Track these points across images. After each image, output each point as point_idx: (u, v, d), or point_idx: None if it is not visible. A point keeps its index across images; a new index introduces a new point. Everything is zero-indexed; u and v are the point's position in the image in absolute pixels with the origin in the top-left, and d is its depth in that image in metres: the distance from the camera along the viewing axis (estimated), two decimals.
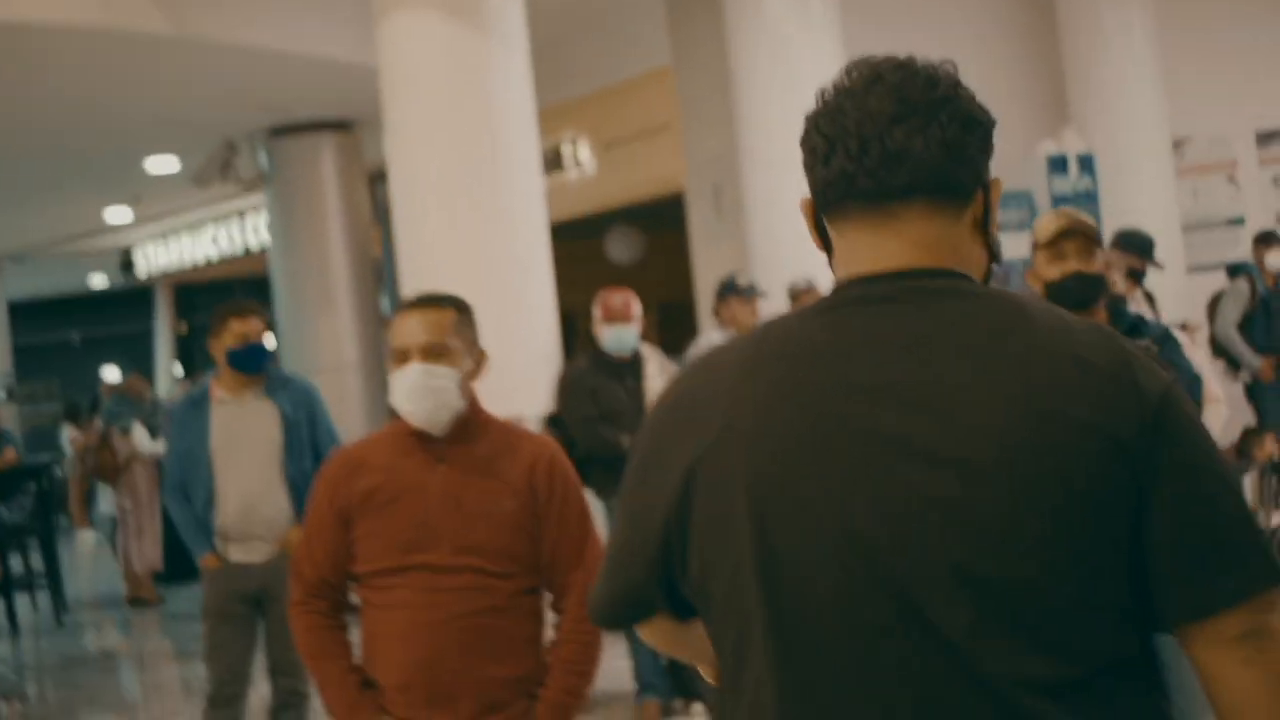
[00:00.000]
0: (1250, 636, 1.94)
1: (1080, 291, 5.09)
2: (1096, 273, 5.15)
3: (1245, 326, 12.54)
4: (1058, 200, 12.87)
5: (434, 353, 4.12)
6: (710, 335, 10.33)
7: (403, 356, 4.14)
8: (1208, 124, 15.17)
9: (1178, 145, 14.84)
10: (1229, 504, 1.96)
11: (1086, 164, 13.27)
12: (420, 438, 4.19)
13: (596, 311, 8.75)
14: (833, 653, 1.97)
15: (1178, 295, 13.39)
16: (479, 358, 4.28)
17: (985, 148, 2.13)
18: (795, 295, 10.69)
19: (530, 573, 4.19)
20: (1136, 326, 5.33)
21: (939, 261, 2.08)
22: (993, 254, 2.16)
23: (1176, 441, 1.95)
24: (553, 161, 15.30)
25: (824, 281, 9.80)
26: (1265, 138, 15.22)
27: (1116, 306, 5.41)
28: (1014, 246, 12.68)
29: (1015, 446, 1.92)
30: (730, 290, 10.18)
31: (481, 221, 9.72)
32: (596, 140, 15.35)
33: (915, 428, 1.96)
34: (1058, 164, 13.18)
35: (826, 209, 2.16)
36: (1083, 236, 5.12)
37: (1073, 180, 13.21)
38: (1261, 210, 15.21)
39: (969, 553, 1.92)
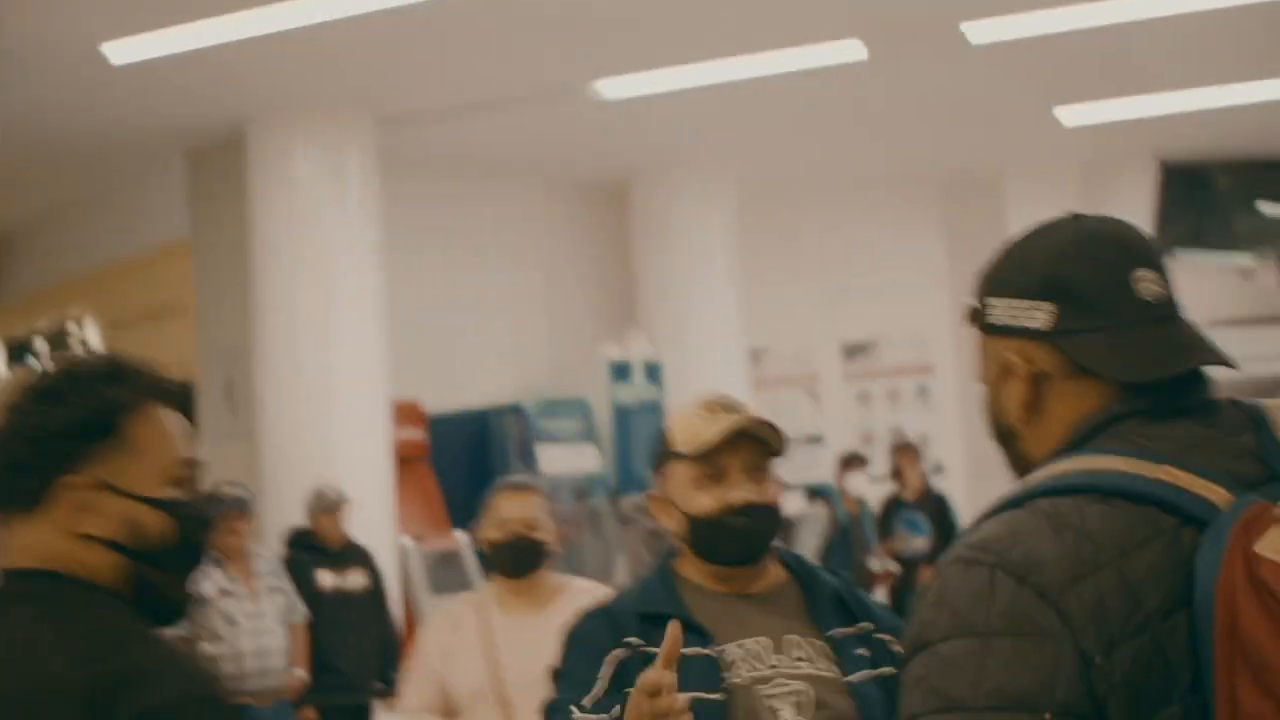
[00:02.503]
0: None
1: (752, 533, 3.21)
2: (770, 503, 3.21)
3: (825, 556, 11.76)
4: (619, 410, 11.71)
5: None
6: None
7: None
8: (789, 336, 14.67)
9: (756, 356, 13.92)
10: None
11: (653, 371, 12.16)
12: None
13: None
14: None
15: None
16: None
17: (41, 454, 2.22)
18: (322, 508, 9.44)
19: None
20: None
21: (35, 563, 2.23)
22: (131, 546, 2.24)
23: None
24: (58, 340, 14.01)
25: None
26: (851, 351, 14.54)
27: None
28: (571, 459, 11.51)
29: None
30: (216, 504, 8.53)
31: None
32: (105, 319, 13.64)
33: None
34: (621, 370, 12.09)
35: None
36: (757, 443, 3.20)
37: (637, 388, 12.17)
38: (844, 428, 14.82)
39: None
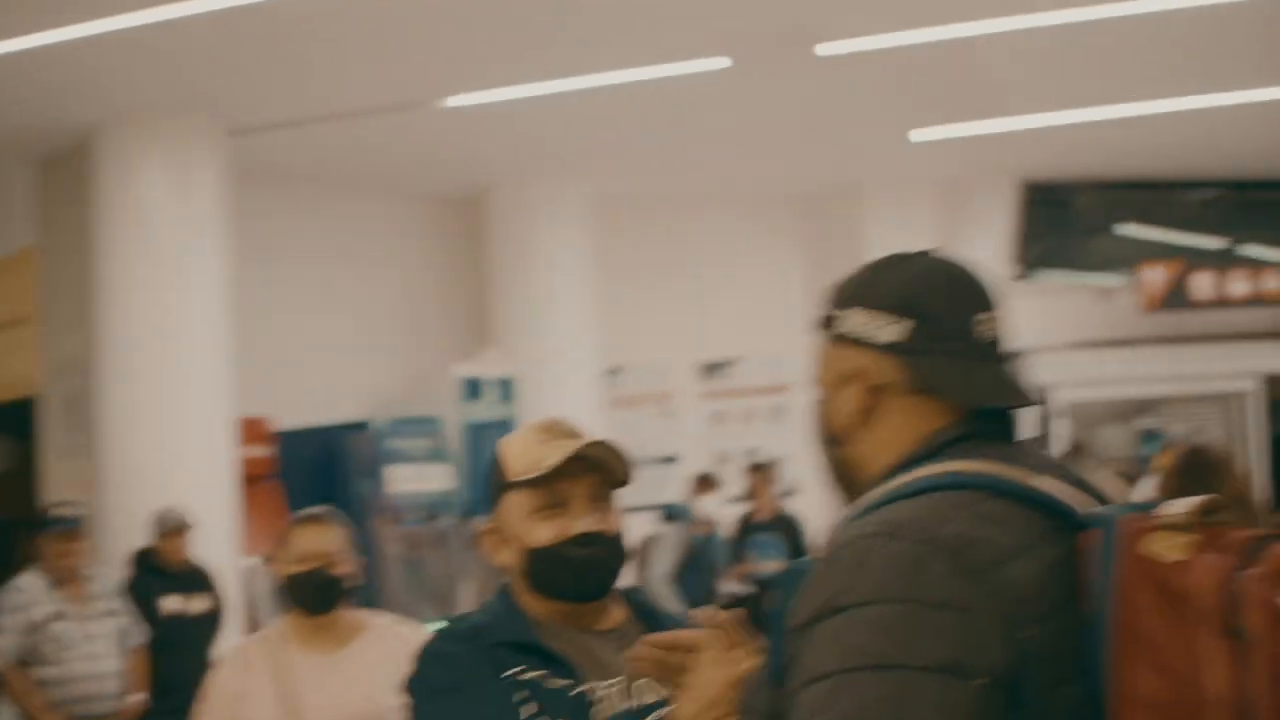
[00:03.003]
0: None
1: (596, 564, 2.99)
2: (614, 533, 3.00)
3: (678, 578, 11.79)
4: (471, 428, 11.57)
5: None
6: (23, 578, 8.41)
7: None
8: (645, 353, 14.60)
9: (611, 374, 13.82)
10: None
11: (506, 388, 12.03)
12: None
13: None
14: None
15: None
16: None
17: None
18: (164, 531, 9.29)
19: None
20: None
21: None
22: None
23: None
24: None
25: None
26: (707, 370, 14.49)
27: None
28: (420, 478, 11.35)
29: None
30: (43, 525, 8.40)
31: None
32: None
33: None
34: (473, 387, 11.98)
35: None
36: (600, 470, 2.98)
37: (489, 405, 12.07)
38: (699, 447, 14.71)
39: None
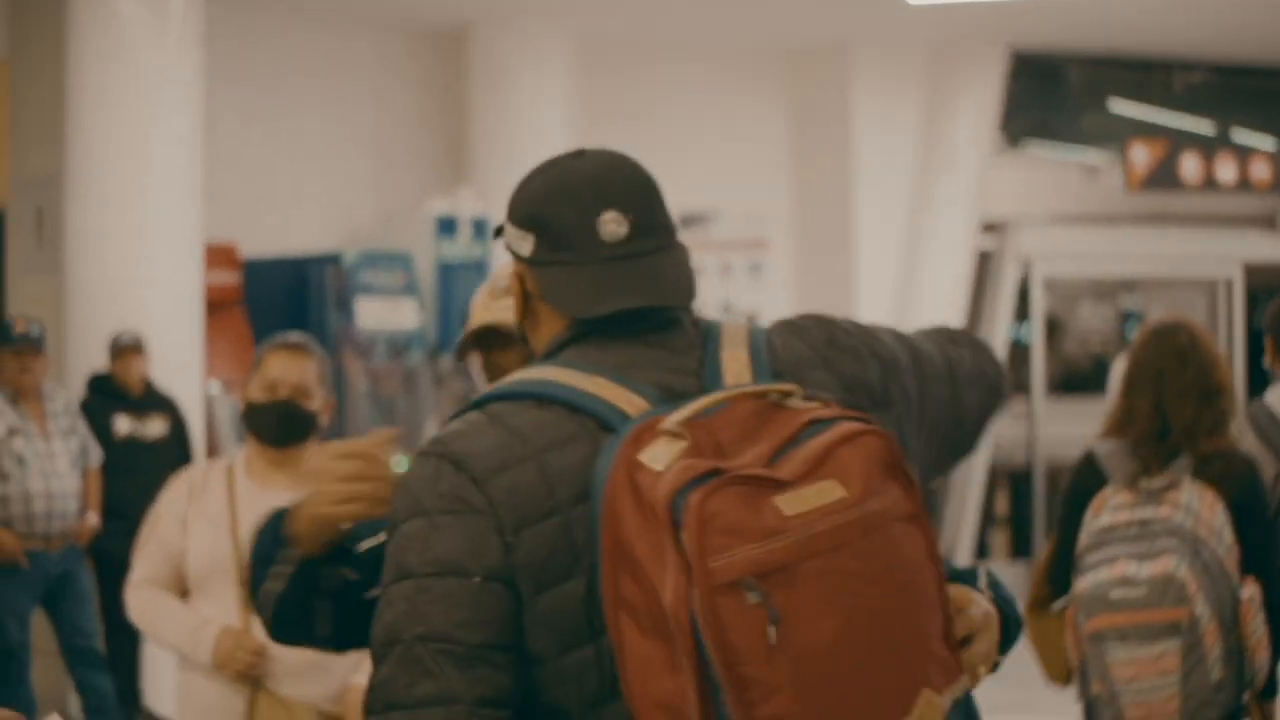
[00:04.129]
0: None
1: None
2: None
3: None
4: (443, 266, 11.47)
5: None
6: None
7: None
8: None
9: None
10: None
11: (480, 228, 11.93)
12: None
13: None
14: None
15: None
16: None
17: None
18: (117, 351, 9.24)
19: None
20: None
21: None
22: None
23: None
24: None
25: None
26: (685, 221, 14.33)
27: None
28: (390, 314, 11.26)
29: None
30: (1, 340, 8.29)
31: None
32: None
33: None
34: (447, 225, 11.81)
35: None
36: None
37: (463, 245, 11.93)
38: None
39: None
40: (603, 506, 2.12)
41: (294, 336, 4.79)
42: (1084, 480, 4.91)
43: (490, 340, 3.06)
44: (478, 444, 2.21)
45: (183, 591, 4.60)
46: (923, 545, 2.18)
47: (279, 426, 4.56)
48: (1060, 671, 4.97)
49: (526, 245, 2.34)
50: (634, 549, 2.09)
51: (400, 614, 2.16)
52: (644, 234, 2.35)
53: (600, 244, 2.32)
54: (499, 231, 2.42)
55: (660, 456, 2.11)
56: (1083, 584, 4.66)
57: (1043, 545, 14.42)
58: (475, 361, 3.15)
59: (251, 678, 4.45)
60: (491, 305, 3.04)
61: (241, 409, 4.67)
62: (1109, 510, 4.71)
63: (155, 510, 4.67)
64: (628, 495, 2.10)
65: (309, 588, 2.47)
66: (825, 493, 2.10)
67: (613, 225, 2.33)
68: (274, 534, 2.50)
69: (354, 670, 4.37)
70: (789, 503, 2.08)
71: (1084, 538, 4.73)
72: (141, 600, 4.63)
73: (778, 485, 2.09)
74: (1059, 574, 4.91)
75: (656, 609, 2.06)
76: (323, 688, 4.48)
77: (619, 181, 2.37)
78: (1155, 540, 4.58)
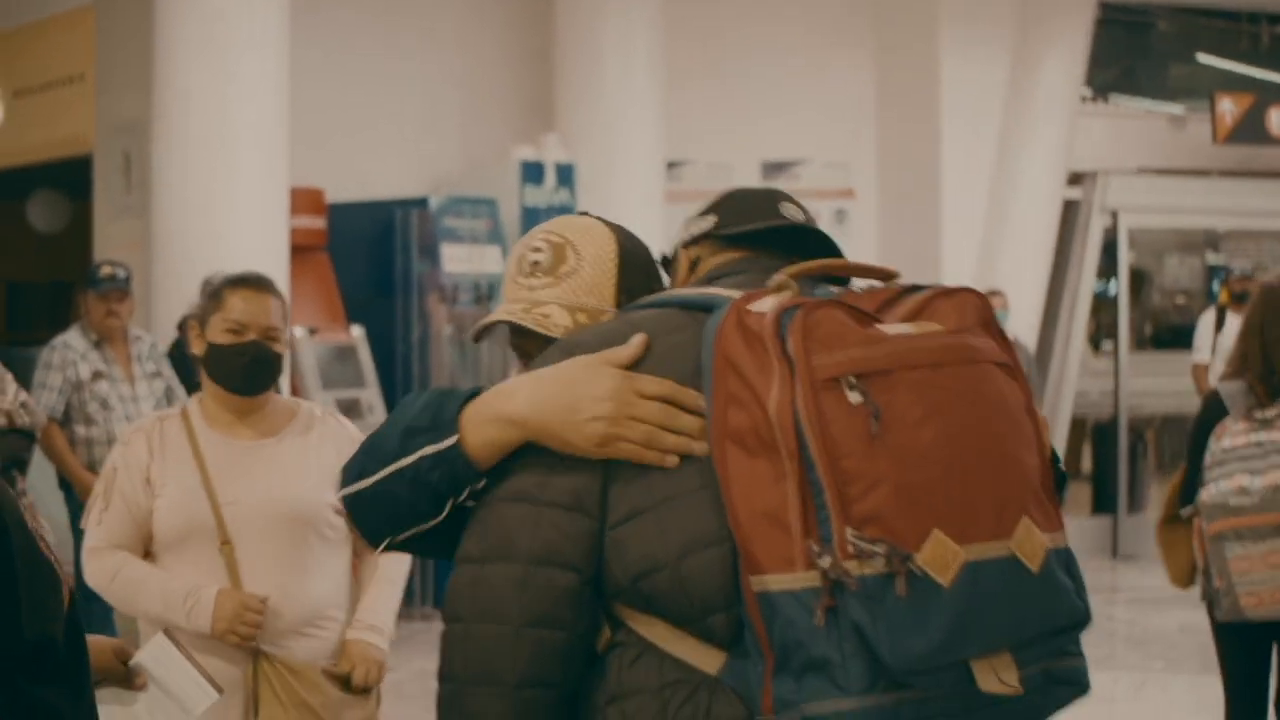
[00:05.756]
0: None
1: None
2: None
3: None
4: (528, 212, 11.45)
5: None
6: (68, 335, 8.41)
7: None
8: (708, 150, 14.24)
9: (673, 167, 13.63)
10: None
11: (565, 175, 11.89)
12: None
13: None
14: None
15: None
16: None
17: None
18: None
19: None
20: None
21: None
22: None
23: None
24: None
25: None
26: (770, 169, 14.27)
27: None
28: (474, 259, 11.24)
29: None
30: (88, 284, 8.37)
31: None
32: (7, 87, 13.13)
33: None
34: (533, 172, 11.84)
35: None
36: None
37: (548, 191, 11.91)
38: None
39: None
40: (713, 345, 2.30)
41: (255, 272, 4.40)
42: (1210, 413, 5.75)
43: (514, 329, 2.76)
44: (588, 334, 2.49)
45: (145, 554, 4.21)
46: (1021, 397, 2.31)
47: (249, 372, 4.18)
48: (1183, 576, 5.90)
49: (706, 223, 2.61)
50: (741, 367, 2.25)
51: (516, 524, 2.39)
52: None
53: (779, 216, 2.60)
54: (667, 262, 2.70)
55: (768, 304, 2.28)
56: (1207, 494, 5.55)
57: (1125, 499, 14.39)
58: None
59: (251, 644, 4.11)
60: (520, 284, 2.71)
61: (199, 351, 4.25)
62: (1229, 435, 5.58)
63: (110, 467, 4.26)
64: (736, 332, 2.28)
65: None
66: (925, 327, 2.27)
67: (793, 209, 2.63)
68: (435, 413, 2.47)
69: (350, 625, 4.25)
70: (890, 328, 2.26)
71: (1208, 458, 5.59)
72: (107, 566, 4.18)
73: (879, 319, 2.29)
74: (1188, 489, 5.75)
75: (763, 424, 2.20)
76: (322, 644, 4.22)
77: (791, 199, 2.68)
78: (1267, 458, 5.47)
